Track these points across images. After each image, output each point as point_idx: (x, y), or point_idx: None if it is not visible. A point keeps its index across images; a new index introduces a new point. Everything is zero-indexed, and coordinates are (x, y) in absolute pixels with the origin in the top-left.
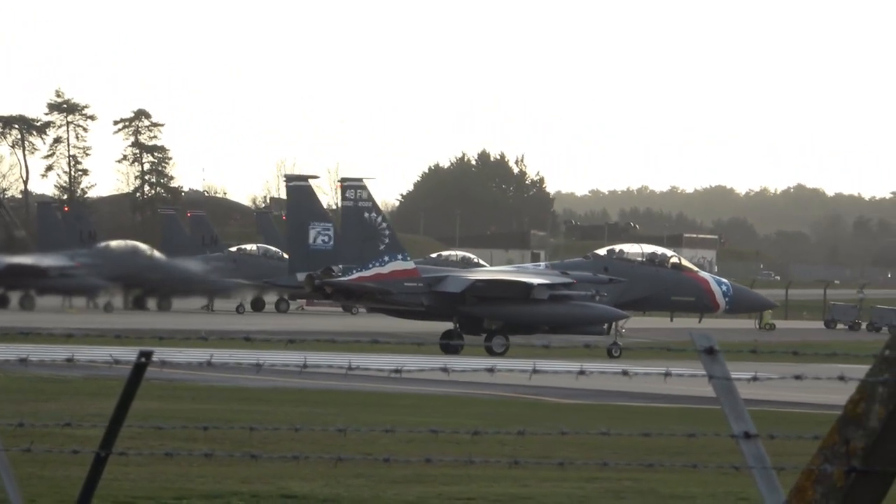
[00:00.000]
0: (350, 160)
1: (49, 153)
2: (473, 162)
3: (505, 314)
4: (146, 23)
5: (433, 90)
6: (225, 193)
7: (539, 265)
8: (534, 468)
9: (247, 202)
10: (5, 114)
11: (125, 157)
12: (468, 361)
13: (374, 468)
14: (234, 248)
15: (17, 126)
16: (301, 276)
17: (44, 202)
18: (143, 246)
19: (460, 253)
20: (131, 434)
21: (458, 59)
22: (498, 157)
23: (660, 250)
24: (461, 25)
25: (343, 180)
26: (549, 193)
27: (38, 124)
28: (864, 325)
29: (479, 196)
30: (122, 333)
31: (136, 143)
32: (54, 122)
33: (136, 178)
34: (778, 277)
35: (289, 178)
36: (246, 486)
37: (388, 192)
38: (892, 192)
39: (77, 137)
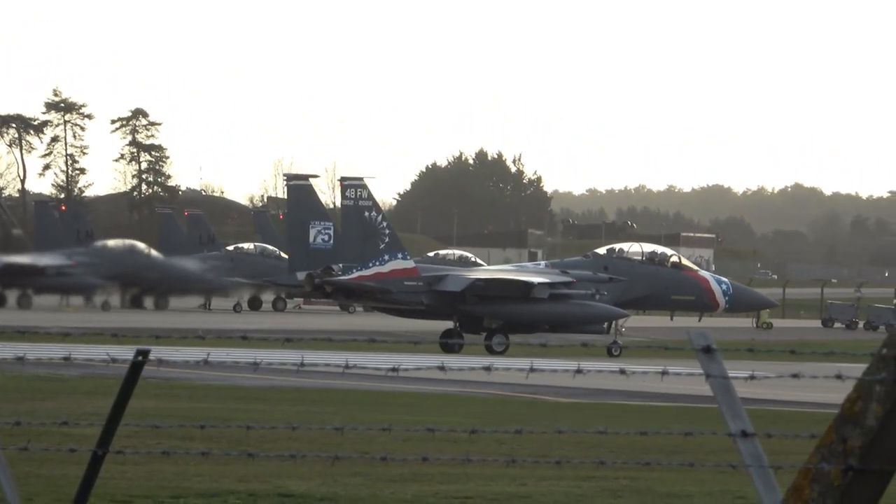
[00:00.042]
0: (347, 159)
1: (46, 152)
2: (471, 161)
3: (505, 313)
4: (144, 22)
5: (433, 90)
6: (222, 192)
7: (539, 264)
8: (531, 467)
9: (244, 201)
10: (3, 113)
11: (122, 156)
12: (465, 360)
13: (372, 467)
14: (231, 247)
15: (14, 125)
16: (301, 275)
17: (41, 201)
18: (140, 245)
19: (458, 252)
20: (128, 433)
21: (457, 59)
22: (495, 157)
23: (660, 249)
24: (460, 25)
25: (343, 179)
26: (546, 192)
27: (36, 123)
28: (861, 324)
29: (477, 195)
30: (119, 332)
31: (133, 142)
32: (52, 121)
33: (133, 177)
34: (775, 276)
35: (289, 178)
36: (243, 485)
37: (385, 191)
38: (890, 192)
39: (74, 136)
